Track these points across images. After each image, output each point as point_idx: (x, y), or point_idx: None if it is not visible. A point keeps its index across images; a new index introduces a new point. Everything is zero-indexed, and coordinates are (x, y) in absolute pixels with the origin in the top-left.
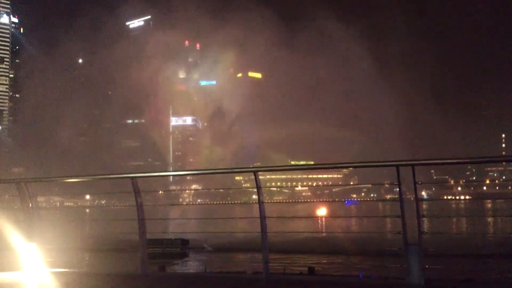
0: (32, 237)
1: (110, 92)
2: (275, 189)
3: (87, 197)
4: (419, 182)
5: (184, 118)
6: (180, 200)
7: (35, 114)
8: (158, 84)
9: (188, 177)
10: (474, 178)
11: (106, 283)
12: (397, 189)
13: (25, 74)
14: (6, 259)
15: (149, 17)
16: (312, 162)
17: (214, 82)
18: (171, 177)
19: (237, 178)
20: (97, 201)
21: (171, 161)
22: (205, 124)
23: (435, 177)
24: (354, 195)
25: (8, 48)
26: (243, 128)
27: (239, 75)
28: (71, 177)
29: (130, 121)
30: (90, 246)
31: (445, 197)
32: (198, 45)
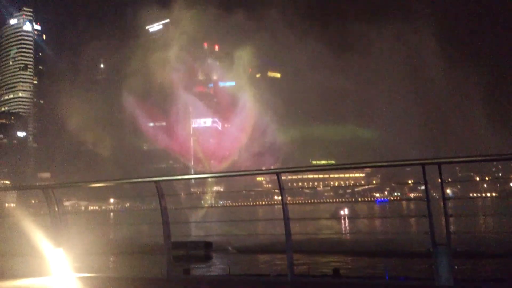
0: (60, 242)
1: (131, 96)
2: (296, 189)
3: (111, 200)
4: (446, 181)
5: (204, 119)
6: (202, 202)
7: (59, 120)
8: (178, 86)
9: (210, 179)
10: (500, 174)
11: (133, 287)
12: (421, 187)
13: (49, 80)
14: (35, 264)
15: (168, 20)
16: (333, 161)
17: (233, 83)
18: (192, 179)
19: (258, 179)
20: (121, 204)
21: (192, 163)
22: (226, 125)
23: (459, 174)
24: (377, 194)
25: (31, 55)
26: (263, 129)
27: (258, 75)
28: (96, 181)
29: (151, 124)
30: (116, 250)
31: (471, 195)
32: (217, 47)
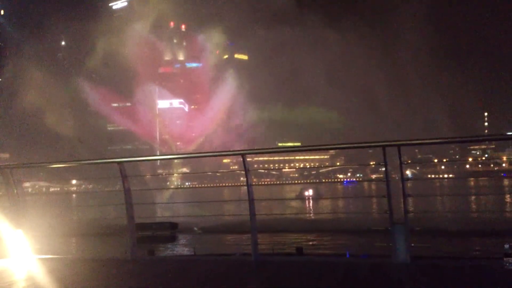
0: (19, 224)
1: (94, 75)
2: (262, 171)
3: (74, 182)
4: (405, 162)
5: (170, 101)
6: (168, 183)
7: (18, 99)
8: (143, 66)
9: (176, 160)
10: (457, 156)
11: (95, 268)
12: (383, 169)
13: (7, 58)
14: None
15: None
16: (299, 144)
17: (200, 64)
18: (158, 160)
19: (224, 160)
20: (83, 185)
21: (158, 145)
22: (192, 106)
23: (419, 156)
24: (341, 176)
25: None
26: (230, 110)
27: (226, 56)
28: (57, 162)
29: (115, 104)
30: (78, 231)
31: (430, 176)
32: (183, 26)
